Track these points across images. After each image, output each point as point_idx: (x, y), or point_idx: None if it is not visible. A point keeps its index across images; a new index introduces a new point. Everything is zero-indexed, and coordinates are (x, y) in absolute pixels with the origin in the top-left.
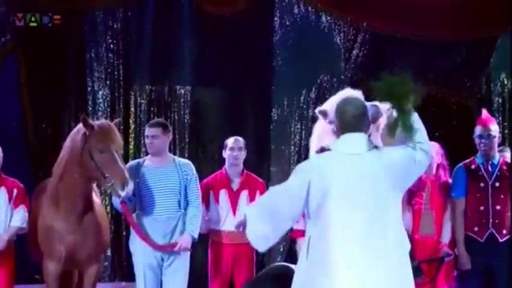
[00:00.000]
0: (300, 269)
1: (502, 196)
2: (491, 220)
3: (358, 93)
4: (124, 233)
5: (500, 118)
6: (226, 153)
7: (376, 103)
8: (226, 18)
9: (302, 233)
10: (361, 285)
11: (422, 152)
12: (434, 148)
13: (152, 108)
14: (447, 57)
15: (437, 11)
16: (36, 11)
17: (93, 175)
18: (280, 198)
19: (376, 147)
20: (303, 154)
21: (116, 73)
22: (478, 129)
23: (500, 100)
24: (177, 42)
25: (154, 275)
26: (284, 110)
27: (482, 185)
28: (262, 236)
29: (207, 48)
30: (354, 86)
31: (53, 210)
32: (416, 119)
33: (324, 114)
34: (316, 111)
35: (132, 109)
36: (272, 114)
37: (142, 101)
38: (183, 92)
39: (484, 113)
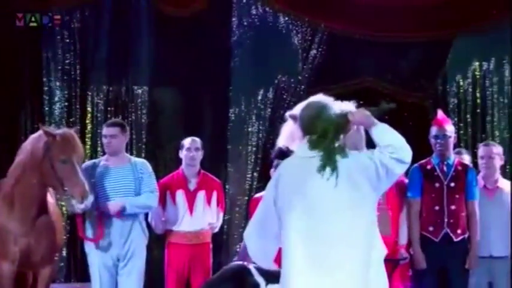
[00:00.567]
0: None
1: (456, 196)
2: (446, 220)
3: (328, 98)
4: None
5: (455, 119)
6: (183, 154)
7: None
8: (184, 18)
9: None
10: None
11: (393, 160)
12: None
13: (109, 108)
14: (404, 58)
15: (393, 12)
16: None
17: (52, 184)
18: (262, 211)
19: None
20: (260, 154)
21: (72, 73)
22: (433, 130)
23: (455, 101)
24: (134, 43)
25: (110, 275)
26: (241, 110)
27: (437, 185)
28: (263, 251)
29: (164, 48)
30: (311, 86)
31: (7, 211)
32: (384, 130)
33: (294, 118)
34: (287, 114)
35: (89, 109)
36: (229, 114)
37: (99, 101)
38: (140, 92)
39: (440, 113)
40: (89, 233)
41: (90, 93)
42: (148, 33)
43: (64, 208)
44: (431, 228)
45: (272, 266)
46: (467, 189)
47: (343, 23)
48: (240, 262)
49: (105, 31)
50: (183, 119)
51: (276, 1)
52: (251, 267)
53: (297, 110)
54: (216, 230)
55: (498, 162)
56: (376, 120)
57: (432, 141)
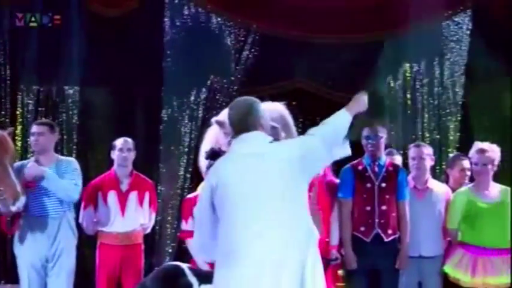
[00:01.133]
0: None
1: (387, 197)
2: (377, 220)
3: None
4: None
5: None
6: (115, 154)
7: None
8: (116, 18)
9: (191, 234)
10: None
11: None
12: None
13: (40, 109)
14: (335, 59)
15: (326, 14)
16: None
17: None
18: (199, 210)
19: (275, 141)
20: (192, 155)
21: (2, 73)
22: (365, 131)
23: (387, 102)
24: (65, 42)
25: (39, 276)
26: (174, 111)
27: (368, 185)
28: (201, 246)
29: (96, 48)
30: (244, 87)
31: None
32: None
33: (221, 124)
34: (213, 120)
35: (19, 109)
36: (162, 114)
37: (30, 101)
38: (71, 92)
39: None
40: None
41: (20, 94)
42: (79, 32)
43: None
44: (362, 229)
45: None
46: (397, 190)
47: (276, 24)
48: (173, 262)
49: (35, 30)
50: (115, 119)
51: (208, 1)
52: (184, 267)
53: (223, 115)
54: (148, 230)
55: (429, 163)
56: (352, 110)
57: (363, 141)
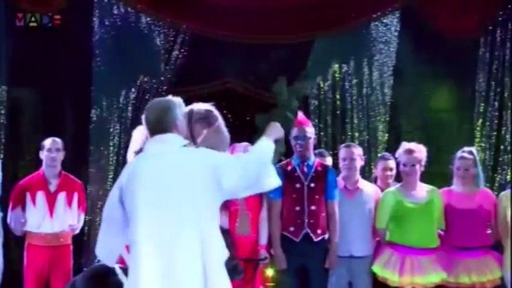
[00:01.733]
0: None
1: (316, 197)
2: (306, 220)
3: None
4: None
5: (316, 120)
6: (43, 154)
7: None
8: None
9: None
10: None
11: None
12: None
13: None
14: (265, 60)
15: (255, 14)
16: None
17: None
18: (107, 208)
19: (187, 145)
20: (121, 155)
21: None
22: (294, 131)
23: (316, 102)
24: None
25: None
26: (103, 111)
27: (298, 185)
28: (108, 248)
29: (24, 47)
30: (173, 87)
31: None
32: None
33: None
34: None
35: None
36: (91, 114)
37: None
38: None
39: (300, 114)
40: None
41: None
42: (6, 32)
43: None
44: (292, 229)
45: (115, 265)
46: (327, 190)
47: (205, 25)
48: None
49: None
50: (43, 119)
51: (137, 1)
52: (116, 266)
53: None
54: (77, 231)
55: (359, 163)
56: (272, 138)
57: (292, 142)
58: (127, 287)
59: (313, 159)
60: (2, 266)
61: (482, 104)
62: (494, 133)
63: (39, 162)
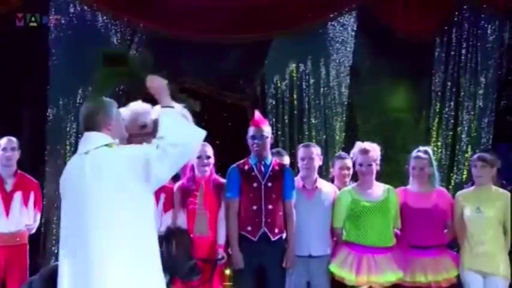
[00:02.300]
0: None
1: (274, 196)
2: (263, 219)
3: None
4: None
5: (273, 119)
6: None
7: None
8: (1, 16)
9: None
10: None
11: (169, 147)
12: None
13: None
14: (223, 59)
15: (213, 14)
16: None
17: None
18: None
19: (112, 145)
20: None
21: None
22: (251, 130)
23: (273, 102)
24: None
25: None
26: (60, 110)
27: (255, 185)
28: None
29: None
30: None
31: None
32: (168, 116)
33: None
34: None
35: None
36: (47, 113)
37: None
38: None
39: (257, 114)
40: None
41: None
42: None
43: None
44: (249, 228)
45: None
46: (284, 189)
47: (162, 24)
48: None
49: None
50: None
51: (94, 0)
52: None
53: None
54: (33, 231)
55: (317, 163)
56: (169, 100)
57: (249, 141)
58: None
59: (271, 159)
60: None
61: (438, 104)
62: (450, 133)
63: None
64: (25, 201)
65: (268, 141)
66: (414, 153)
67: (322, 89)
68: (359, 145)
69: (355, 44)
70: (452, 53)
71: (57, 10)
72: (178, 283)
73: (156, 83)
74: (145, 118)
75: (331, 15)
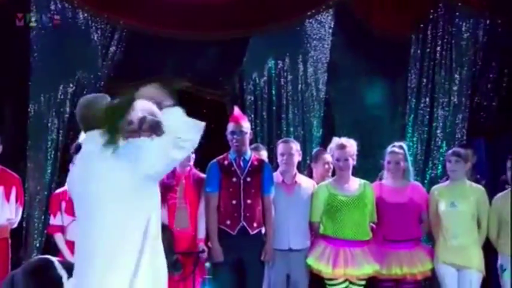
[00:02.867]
0: None
1: (253, 191)
2: (242, 214)
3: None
4: None
5: (252, 115)
6: None
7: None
8: None
9: (59, 228)
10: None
11: (183, 143)
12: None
13: None
14: (202, 56)
15: (192, 11)
16: None
17: None
18: None
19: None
20: (59, 150)
21: None
22: (230, 126)
23: (252, 98)
24: None
25: None
26: (41, 106)
27: (234, 180)
28: None
29: None
30: (111, 82)
31: None
32: (172, 114)
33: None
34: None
35: None
36: (29, 109)
37: None
38: None
39: (236, 110)
40: None
41: None
42: None
43: None
44: (228, 222)
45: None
46: (263, 184)
47: (142, 21)
48: (43, 256)
49: None
50: None
51: None
52: (54, 260)
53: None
54: (15, 225)
55: (296, 158)
56: (169, 100)
57: (229, 137)
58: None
59: (250, 154)
60: None
61: (414, 100)
62: (426, 128)
63: None
64: (7, 196)
65: (247, 137)
66: (389, 148)
67: (300, 85)
68: (336, 140)
69: (332, 41)
70: (428, 50)
71: (39, 7)
72: None
73: (146, 93)
74: (132, 115)
75: (309, 13)
